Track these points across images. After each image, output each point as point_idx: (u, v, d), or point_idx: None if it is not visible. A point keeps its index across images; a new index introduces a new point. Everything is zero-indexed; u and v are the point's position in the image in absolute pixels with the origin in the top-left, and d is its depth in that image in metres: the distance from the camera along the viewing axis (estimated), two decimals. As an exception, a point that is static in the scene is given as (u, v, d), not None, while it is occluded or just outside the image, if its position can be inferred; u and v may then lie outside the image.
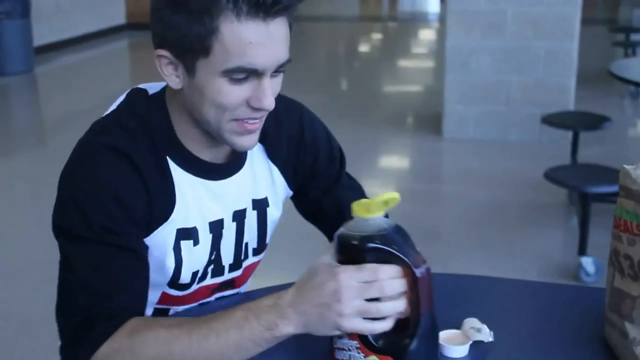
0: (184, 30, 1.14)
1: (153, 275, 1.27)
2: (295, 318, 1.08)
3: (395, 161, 5.66)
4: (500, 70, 5.45)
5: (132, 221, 1.20)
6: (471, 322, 1.20)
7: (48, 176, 4.26)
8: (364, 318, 1.06)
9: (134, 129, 1.23)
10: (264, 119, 1.23)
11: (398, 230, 1.09)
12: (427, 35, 12.20)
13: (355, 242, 1.07)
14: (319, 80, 7.88)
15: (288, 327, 1.09)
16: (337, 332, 1.08)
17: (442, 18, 11.02)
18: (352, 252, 1.07)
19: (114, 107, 1.30)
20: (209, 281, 1.38)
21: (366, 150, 5.47)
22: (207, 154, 1.29)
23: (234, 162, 1.33)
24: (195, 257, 1.32)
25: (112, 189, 1.19)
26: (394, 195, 1.08)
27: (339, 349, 1.11)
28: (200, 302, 1.40)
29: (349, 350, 1.09)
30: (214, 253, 1.35)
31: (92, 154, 1.21)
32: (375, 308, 1.06)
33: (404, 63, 9.73)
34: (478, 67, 5.47)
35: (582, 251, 3.49)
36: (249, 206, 1.37)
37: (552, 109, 5.13)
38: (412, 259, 1.06)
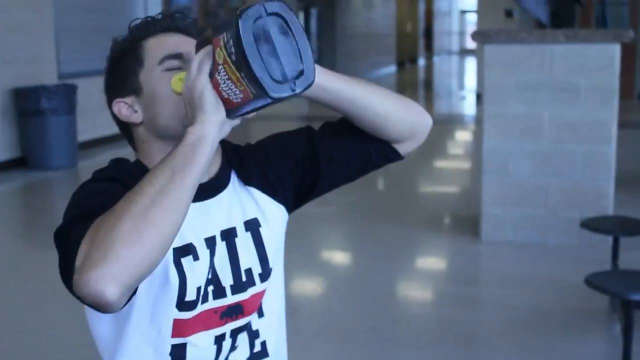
0: (121, 72, 1.41)
1: (161, 298, 1.33)
2: (196, 124, 1.22)
3: (432, 263, 5.61)
4: (538, 174, 5.45)
5: None
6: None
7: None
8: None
9: (126, 165, 1.44)
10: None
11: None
12: (463, 136, 12.29)
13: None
14: (358, 182, 7.89)
15: (197, 128, 1.21)
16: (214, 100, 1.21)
17: (478, 120, 11.11)
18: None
19: None
20: (212, 303, 1.39)
21: (404, 251, 5.44)
22: None
23: (216, 182, 1.43)
24: (197, 272, 1.36)
25: (110, 196, 1.26)
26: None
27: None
28: (215, 334, 1.40)
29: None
30: (210, 272, 1.38)
31: (86, 184, 1.40)
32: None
33: (441, 164, 9.78)
34: (515, 170, 5.47)
35: (625, 360, 3.39)
36: (239, 226, 1.43)
37: (591, 213, 5.09)
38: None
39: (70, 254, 1.16)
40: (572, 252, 5.29)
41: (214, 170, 1.43)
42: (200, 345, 1.40)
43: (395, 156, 1.54)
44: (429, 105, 17.03)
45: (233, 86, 1.18)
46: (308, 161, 1.51)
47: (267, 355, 1.50)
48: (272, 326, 1.52)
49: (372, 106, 1.43)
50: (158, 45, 1.39)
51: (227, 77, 1.17)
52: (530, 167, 5.44)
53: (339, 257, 5.84)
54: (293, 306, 3.14)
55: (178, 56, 1.38)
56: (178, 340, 1.38)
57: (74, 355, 3.68)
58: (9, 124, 8.48)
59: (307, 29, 18.83)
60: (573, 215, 5.33)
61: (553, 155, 5.39)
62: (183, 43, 1.40)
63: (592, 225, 4.55)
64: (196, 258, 1.36)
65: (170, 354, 1.38)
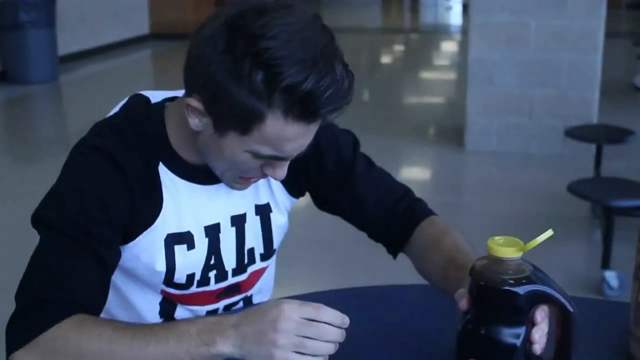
0: (229, 102, 1.12)
1: (146, 276, 1.32)
2: (233, 338, 1.08)
3: (417, 172, 5.64)
4: (523, 83, 5.43)
5: (110, 224, 1.22)
6: None
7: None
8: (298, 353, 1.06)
9: (127, 132, 1.26)
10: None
11: (537, 267, 1.05)
12: (449, 47, 12.18)
13: (507, 287, 1.00)
14: (341, 91, 7.83)
15: (224, 346, 1.08)
16: None
17: (465, 30, 11.00)
18: (502, 297, 1.01)
19: (115, 109, 1.33)
20: (213, 286, 1.39)
21: (388, 161, 5.41)
22: (200, 161, 1.31)
23: None
24: (190, 261, 1.34)
25: (95, 189, 1.22)
26: (550, 233, 1.04)
27: None
28: (208, 309, 1.41)
29: None
30: (214, 257, 1.37)
31: (81, 154, 1.26)
32: (311, 344, 1.05)
33: (426, 75, 9.72)
34: (501, 80, 5.45)
35: (605, 265, 3.46)
36: (249, 211, 1.39)
37: (575, 122, 5.11)
38: (564, 296, 1.02)
39: (39, 312, 1.14)
40: (555, 160, 5.33)
41: None
42: (191, 312, 1.41)
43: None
44: (414, 16, 16.84)
45: None
46: (334, 182, 1.45)
47: (251, 303, 1.51)
48: (265, 289, 1.53)
49: None
50: (275, 140, 1.15)
51: None
52: (516, 77, 5.42)
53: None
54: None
55: (279, 158, 1.20)
56: (169, 300, 1.39)
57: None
58: (-12, 37, 8.32)
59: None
60: (557, 124, 5.34)
61: (538, 65, 5.36)
62: (299, 143, 1.18)
63: (576, 133, 4.57)
64: (191, 247, 1.33)
65: (160, 303, 1.39)
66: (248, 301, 1.49)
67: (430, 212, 1.51)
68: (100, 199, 1.21)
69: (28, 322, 1.13)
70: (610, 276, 3.37)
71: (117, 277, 1.33)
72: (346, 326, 1.08)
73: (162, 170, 1.29)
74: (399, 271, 1.79)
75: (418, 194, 1.56)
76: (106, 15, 10.59)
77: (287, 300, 1.08)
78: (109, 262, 1.23)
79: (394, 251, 1.53)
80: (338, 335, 1.07)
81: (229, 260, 1.39)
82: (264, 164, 1.22)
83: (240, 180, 1.28)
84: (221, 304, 1.44)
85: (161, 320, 1.39)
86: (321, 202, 1.50)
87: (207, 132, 1.20)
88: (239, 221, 1.38)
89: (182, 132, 1.27)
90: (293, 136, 1.15)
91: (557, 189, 4.29)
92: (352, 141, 1.48)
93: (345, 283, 1.73)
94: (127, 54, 10.79)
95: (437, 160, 5.69)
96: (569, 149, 5.32)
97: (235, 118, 1.13)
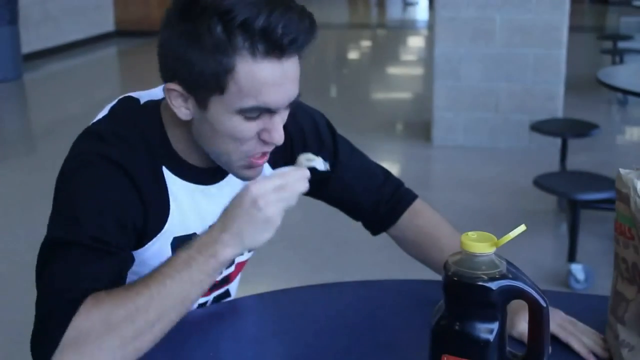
0: (198, 67, 1.14)
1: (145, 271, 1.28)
2: (229, 239, 1.14)
3: (385, 168, 5.65)
4: (489, 78, 5.47)
5: (124, 233, 1.21)
6: (306, 155, 1.24)
7: (37, 183, 4.24)
8: None
9: (131, 139, 1.24)
10: (269, 153, 1.26)
11: (510, 263, 1.04)
12: (415, 42, 12.23)
13: (481, 283, 1.00)
14: (308, 87, 7.80)
15: (227, 250, 1.14)
16: (271, 235, 1.15)
17: (431, 25, 11.05)
18: (476, 293, 1.01)
19: (104, 113, 1.29)
20: None
21: (356, 157, 5.45)
22: (200, 161, 1.30)
23: None
24: None
25: (108, 201, 1.19)
26: (523, 228, 1.03)
27: None
28: (200, 302, 1.41)
29: None
30: None
31: (89, 164, 1.21)
32: (289, 195, 1.15)
33: (393, 70, 9.75)
34: (467, 74, 5.49)
35: (571, 258, 3.50)
36: None
37: (541, 116, 5.15)
38: (537, 291, 1.02)
39: (53, 314, 1.11)
40: (522, 154, 5.38)
41: None
42: None
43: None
44: (381, 11, 16.88)
45: None
46: (319, 179, 1.41)
47: (229, 295, 1.52)
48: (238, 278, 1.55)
49: None
50: (251, 86, 1.14)
51: None
52: (482, 72, 5.46)
53: (292, 165, 5.84)
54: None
55: (266, 110, 1.18)
56: None
57: (18, 267, 3.67)
58: (-51, 35, 8.18)
59: None
60: (523, 119, 5.39)
61: (504, 59, 5.40)
62: (280, 88, 1.17)
63: (542, 127, 4.61)
64: None
65: None
66: (226, 294, 1.50)
67: (414, 196, 1.57)
68: (113, 210, 1.19)
69: (47, 331, 1.11)
70: (577, 269, 3.41)
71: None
72: (309, 175, 1.18)
73: (166, 173, 1.28)
74: (368, 268, 1.79)
75: (387, 189, 1.57)
76: (70, 12, 10.47)
77: (251, 183, 1.16)
78: (125, 262, 1.22)
79: (376, 231, 1.56)
80: (306, 184, 1.17)
81: None
82: (261, 132, 1.20)
83: (248, 163, 1.24)
84: (211, 297, 1.46)
85: None
86: (308, 191, 1.51)
87: (197, 117, 1.21)
88: None
89: (181, 131, 1.27)
90: (269, 78, 1.14)
91: (524, 182, 4.33)
92: (326, 124, 1.51)
93: (313, 279, 1.73)
94: (92, 52, 10.68)
95: (405, 156, 5.71)
96: (535, 142, 5.37)
97: (210, 79, 1.14)
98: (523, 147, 5.47)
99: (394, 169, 5.64)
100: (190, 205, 1.31)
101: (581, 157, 5.02)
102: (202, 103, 1.18)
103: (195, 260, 1.14)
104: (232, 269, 1.46)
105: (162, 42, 1.19)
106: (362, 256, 3.74)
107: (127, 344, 1.10)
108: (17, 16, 8.41)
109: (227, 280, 1.48)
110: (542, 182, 3.58)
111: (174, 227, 1.29)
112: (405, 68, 9.95)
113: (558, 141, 4.79)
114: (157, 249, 1.28)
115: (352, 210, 1.54)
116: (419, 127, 6.08)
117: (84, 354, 1.08)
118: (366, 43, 12.60)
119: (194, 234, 1.31)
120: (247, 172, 1.26)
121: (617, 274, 1.19)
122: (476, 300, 1.01)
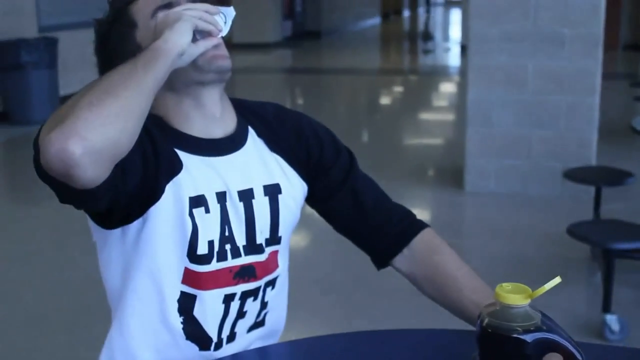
0: (115, 43, 1.41)
1: (171, 242, 1.35)
2: (175, 24, 1.26)
3: (416, 214, 5.63)
4: (522, 124, 5.46)
5: (136, 152, 1.24)
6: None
7: (71, 223, 4.28)
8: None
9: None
10: (222, 45, 1.38)
11: (545, 315, 1.04)
12: (448, 88, 12.26)
13: (516, 335, 1.00)
14: (340, 133, 7.83)
15: (169, 38, 1.24)
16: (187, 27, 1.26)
17: (463, 72, 11.09)
18: (510, 345, 1.00)
19: None
20: (230, 262, 1.41)
21: (387, 202, 5.44)
22: (202, 131, 1.40)
23: (232, 139, 1.44)
24: (208, 225, 1.37)
25: None
26: (558, 280, 1.03)
27: None
28: (226, 292, 1.41)
29: None
30: (227, 229, 1.40)
31: None
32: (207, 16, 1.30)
33: (425, 116, 9.77)
34: (499, 121, 5.48)
35: (606, 308, 3.44)
36: (257, 189, 1.43)
37: (574, 163, 5.12)
38: (573, 344, 1.02)
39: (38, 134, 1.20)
40: (554, 202, 5.34)
41: (230, 128, 1.45)
42: (209, 302, 1.41)
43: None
44: (413, 58, 16.97)
45: None
46: (324, 173, 1.53)
47: (263, 325, 1.52)
48: (279, 298, 1.54)
49: None
50: (146, 3, 1.40)
51: None
52: (514, 118, 5.45)
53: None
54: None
55: (169, 5, 1.38)
56: (188, 290, 1.40)
57: (55, 306, 3.69)
58: (-11, 78, 8.37)
59: (290, -20, 18.57)
60: (556, 166, 5.36)
61: (536, 106, 5.40)
62: None
63: (575, 175, 4.58)
64: (207, 211, 1.37)
65: (179, 300, 1.40)
66: (264, 305, 1.49)
67: (425, 225, 1.57)
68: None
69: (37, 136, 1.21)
70: (612, 320, 3.35)
71: (137, 279, 1.37)
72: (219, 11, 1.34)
73: (179, 152, 1.37)
74: (400, 315, 1.78)
75: (417, 235, 1.57)
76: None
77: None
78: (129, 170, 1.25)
79: (382, 261, 1.56)
80: (202, 13, 1.30)
81: (239, 236, 1.42)
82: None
83: (210, 50, 1.34)
84: (238, 289, 1.43)
85: (181, 318, 1.40)
86: (319, 198, 1.54)
87: (150, 69, 1.26)
88: (246, 197, 1.42)
89: (168, 104, 1.39)
90: None
91: (556, 230, 4.28)
92: (346, 148, 1.60)
93: (344, 326, 1.72)
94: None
95: (437, 203, 5.69)
96: (568, 190, 5.32)
97: (123, 30, 1.40)
98: (556, 195, 5.42)
99: (425, 215, 5.64)
100: (199, 170, 1.37)
101: (615, 206, 4.96)
102: (136, 51, 1.29)
103: (140, 55, 1.23)
104: (260, 257, 1.45)
105: (95, 47, 1.44)
106: (392, 303, 3.71)
107: (100, 93, 1.15)
108: (56, 59, 8.59)
109: (253, 273, 1.44)
110: (575, 231, 3.54)
111: (187, 185, 1.35)
112: (437, 114, 9.97)
113: (591, 189, 4.75)
114: (175, 203, 1.33)
115: (361, 230, 1.54)
116: (451, 174, 6.07)
117: (64, 125, 1.13)
118: (398, 89, 12.66)
119: (203, 195, 1.36)
120: (217, 58, 1.36)
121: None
122: (511, 353, 1.01)
